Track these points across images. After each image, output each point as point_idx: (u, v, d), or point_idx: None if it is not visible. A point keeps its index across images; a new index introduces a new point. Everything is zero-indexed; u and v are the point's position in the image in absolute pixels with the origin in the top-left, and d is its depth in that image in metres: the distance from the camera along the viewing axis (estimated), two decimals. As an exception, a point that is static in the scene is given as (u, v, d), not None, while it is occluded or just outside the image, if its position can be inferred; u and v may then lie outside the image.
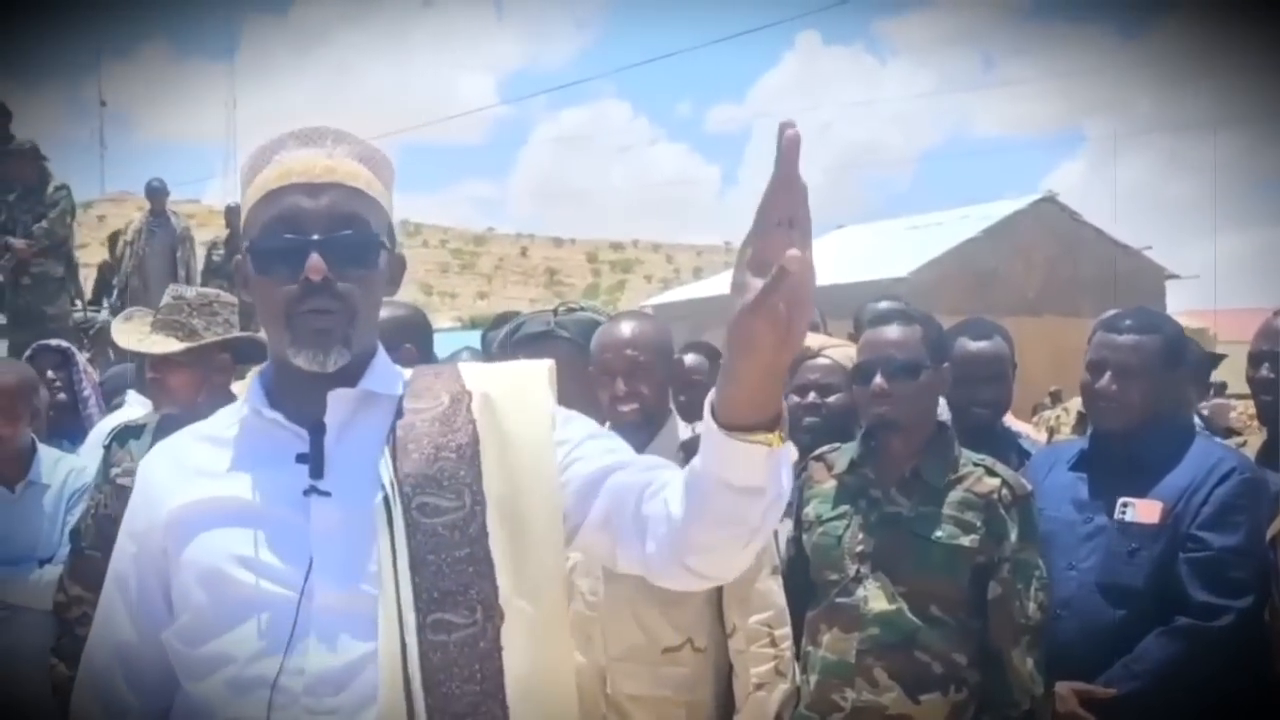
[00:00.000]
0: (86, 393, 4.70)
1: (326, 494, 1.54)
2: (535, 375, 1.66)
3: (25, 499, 3.45)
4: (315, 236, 1.53)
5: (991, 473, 2.78)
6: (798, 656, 2.91)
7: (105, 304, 10.95)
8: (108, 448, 3.23)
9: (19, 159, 9.33)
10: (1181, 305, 17.19)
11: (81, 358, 4.94)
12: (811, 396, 3.30)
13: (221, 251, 11.61)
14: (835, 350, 3.31)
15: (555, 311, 3.36)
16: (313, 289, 1.53)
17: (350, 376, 1.60)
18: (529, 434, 1.59)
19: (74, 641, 3.18)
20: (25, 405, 3.48)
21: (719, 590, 2.87)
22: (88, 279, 11.43)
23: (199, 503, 1.60)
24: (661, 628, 2.76)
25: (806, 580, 2.92)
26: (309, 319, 1.54)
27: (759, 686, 2.79)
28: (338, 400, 1.58)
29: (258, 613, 1.51)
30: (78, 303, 10.02)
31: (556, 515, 1.57)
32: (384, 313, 1.81)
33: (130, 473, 3.13)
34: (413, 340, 3.39)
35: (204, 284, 10.11)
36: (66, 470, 3.51)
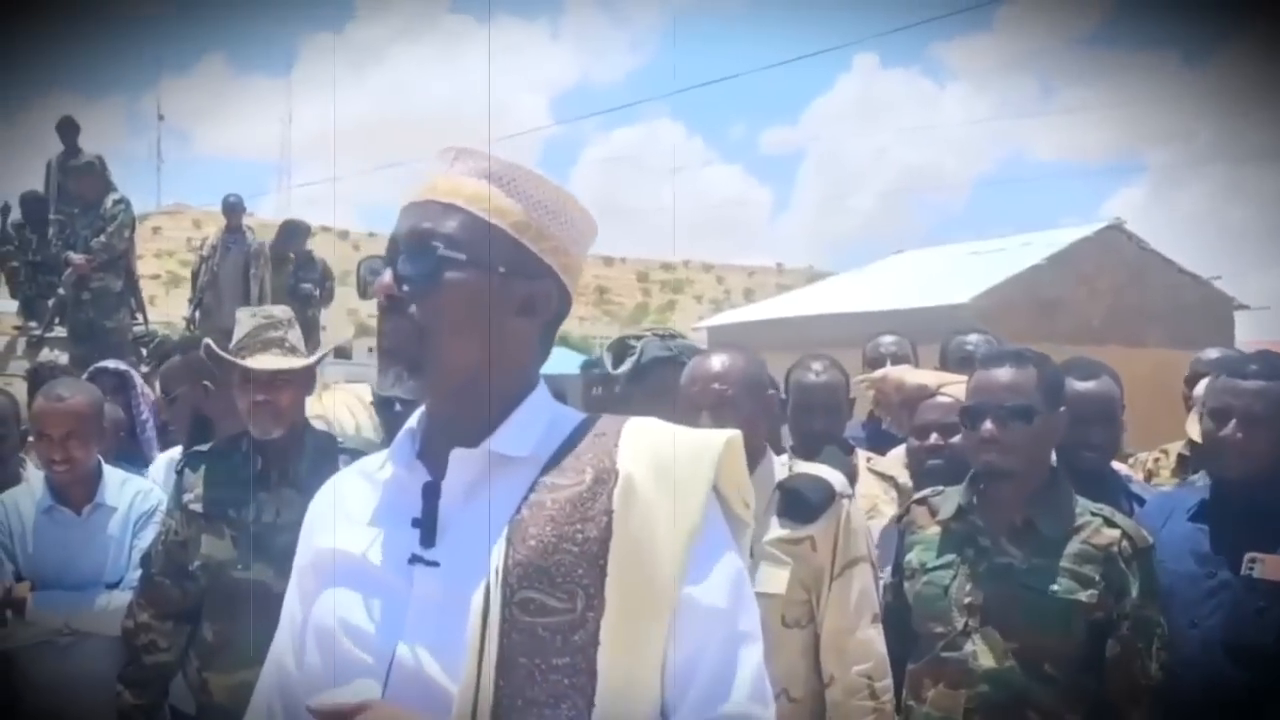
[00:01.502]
0: (145, 415, 4.65)
1: (434, 564, 1.40)
2: (701, 463, 1.43)
3: (92, 522, 3.38)
4: (400, 254, 1.44)
5: (1111, 523, 2.62)
6: (898, 709, 2.77)
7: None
8: (180, 473, 3.16)
9: (87, 176, 9.39)
10: (1250, 336, 16.81)
11: (139, 380, 4.88)
12: (933, 438, 3.16)
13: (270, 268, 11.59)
14: (954, 388, 3.16)
15: (660, 336, 3.27)
16: (384, 309, 1.44)
17: (484, 428, 1.44)
18: (667, 543, 1.39)
19: (141, 669, 3.12)
20: (95, 427, 3.41)
21: (815, 639, 2.73)
22: (153, 293, 11.46)
23: (333, 553, 1.50)
24: None
25: (906, 629, 2.77)
26: (381, 341, 1.45)
27: None
28: (460, 461, 1.43)
29: (347, 682, 1.41)
30: (138, 316, 10.05)
31: (661, 633, 1.38)
32: None
33: (200, 499, 3.07)
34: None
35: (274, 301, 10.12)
36: (133, 493, 3.44)
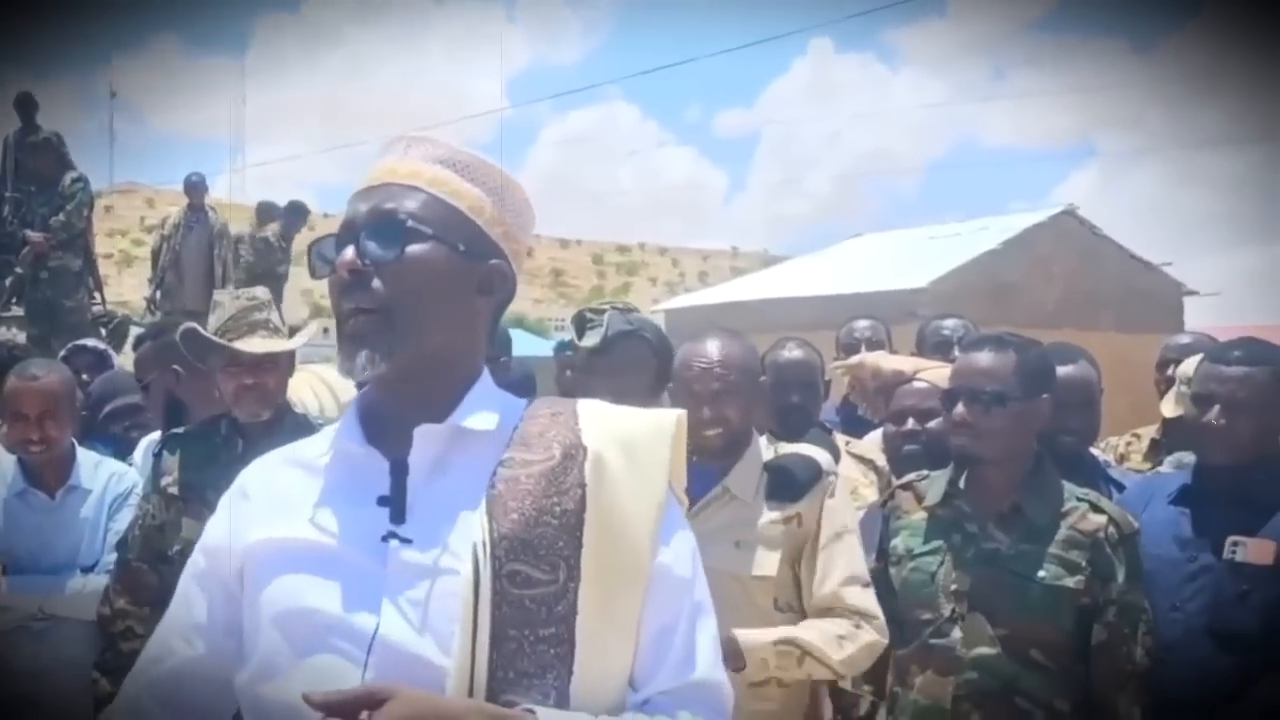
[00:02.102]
0: None
1: (408, 541, 1.41)
2: (660, 439, 1.50)
3: (66, 505, 3.33)
4: (362, 233, 1.44)
5: (1097, 509, 2.64)
6: (882, 696, 2.78)
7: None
8: (157, 456, 3.11)
9: (45, 153, 9.22)
10: (1200, 321, 17.03)
11: (118, 359, 4.82)
12: (910, 423, 3.17)
13: (248, 249, 11.49)
14: (932, 373, 3.18)
15: (618, 310, 3.26)
16: (347, 287, 1.43)
17: (446, 405, 1.46)
18: (637, 516, 1.44)
19: (118, 656, 3.07)
20: (70, 408, 3.35)
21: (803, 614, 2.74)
22: (106, 272, 11.29)
23: (279, 541, 1.48)
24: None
25: (890, 616, 2.77)
26: (344, 322, 1.44)
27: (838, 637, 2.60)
28: (425, 438, 1.44)
29: (323, 667, 1.39)
30: (96, 295, 9.90)
31: (637, 604, 1.43)
32: None
33: (179, 483, 3.03)
34: (503, 351, 3.31)
35: (237, 280, 10.00)
36: (108, 475, 3.39)
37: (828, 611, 2.66)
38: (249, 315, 2.98)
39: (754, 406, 2.80)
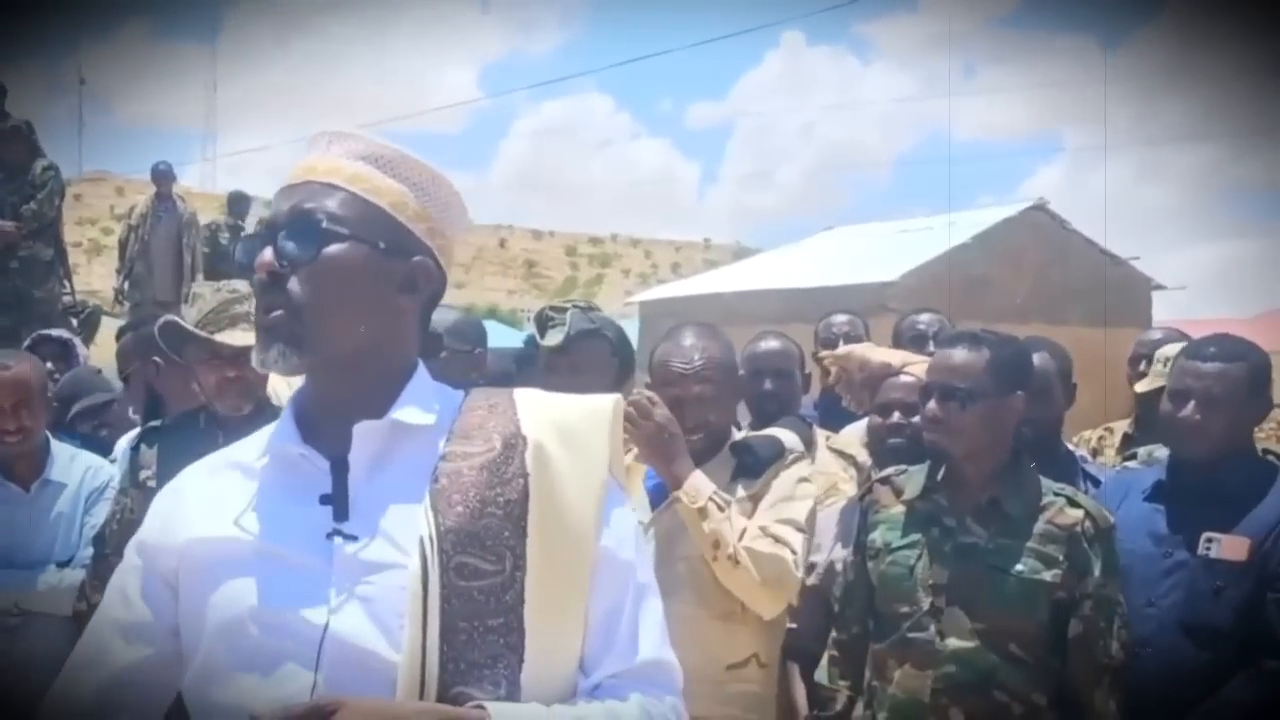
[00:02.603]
0: None
1: (353, 538, 1.41)
2: (598, 424, 1.51)
3: (41, 499, 3.30)
4: (281, 232, 1.45)
5: (1074, 503, 2.66)
6: (858, 690, 2.79)
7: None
8: (135, 449, 3.08)
9: (14, 140, 9.09)
10: (1167, 315, 17.17)
11: (82, 349, 4.77)
12: (895, 416, 3.18)
13: (227, 236, 11.42)
14: (918, 367, 3.18)
15: (580, 309, 3.27)
16: (264, 287, 1.44)
17: (382, 401, 1.47)
18: (579, 502, 1.45)
19: (94, 652, 3.03)
20: (44, 398, 3.33)
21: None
22: (75, 261, 11.16)
23: (216, 541, 1.47)
24: (722, 642, 2.66)
25: (866, 609, 2.80)
26: (259, 318, 1.45)
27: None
28: (364, 434, 1.45)
29: (272, 669, 1.39)
30: (66, 284, 9.79)
31: (584, 590, 1.44)
32: (441, 316, 1.71)
33: (157, 476, 3.00)
34: (478, 342, 3.30)
35: (207, 270, 9.92)
36: (84, 468, 3.36)
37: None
38: (230, 308, 2.95)
39: (733, 405, 2.82)
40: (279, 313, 1.43)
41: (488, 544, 1.39)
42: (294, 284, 1.43)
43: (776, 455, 2.77)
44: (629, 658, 1.45)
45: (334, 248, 1.43)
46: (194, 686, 1.46)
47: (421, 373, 1.53)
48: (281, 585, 1.41)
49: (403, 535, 1.40)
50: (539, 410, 1.50)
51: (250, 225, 11.68)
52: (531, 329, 3.31)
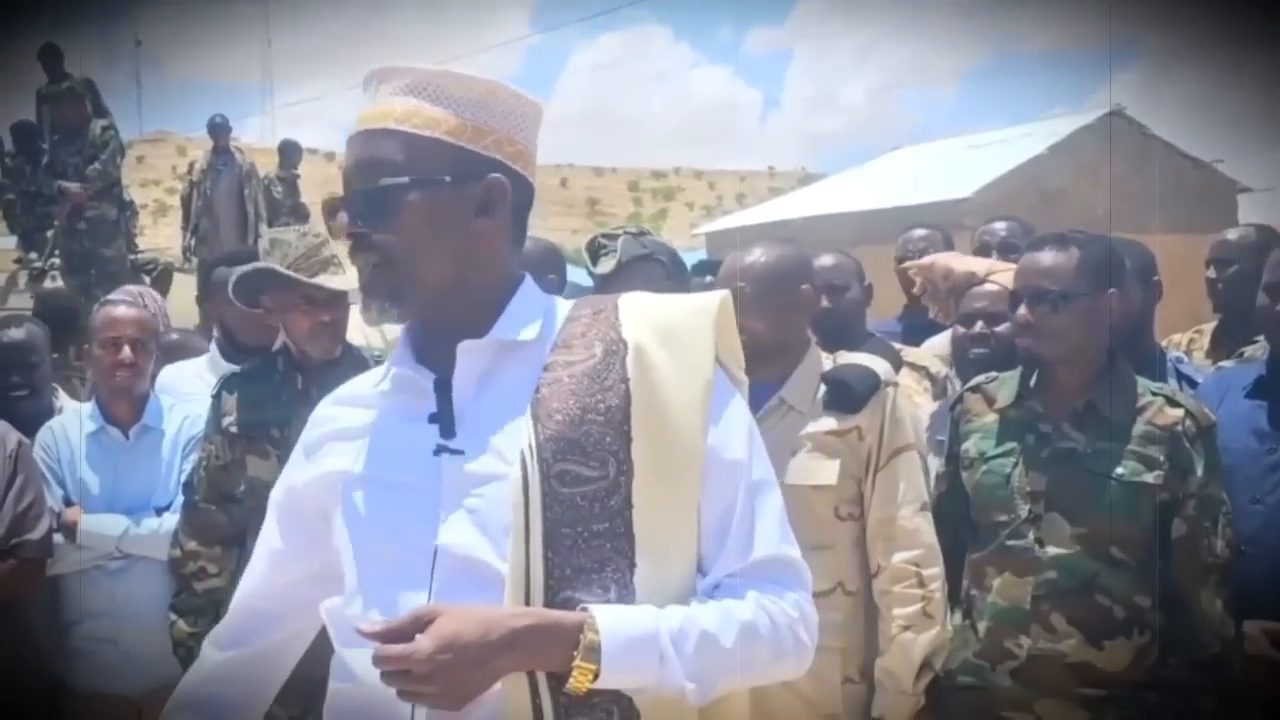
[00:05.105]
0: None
1: (459, 453, 1.45)
2: (701, 323, 1.51)
3: (140, 445, 3.35)
4: (353, 189, 1.49)
5: (1173, 403, 2.59)
6: (955, 599, 2.76)
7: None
8: (216, 396, 3.12)
9: (68, 101, 9.16)
10: (1253, 219, 16.75)
11: (158, 301, 4.80)
12: (979, 326, 3.12)
13: (280, 189, 11.49)
14: (1003, 275, 3.11)
15: (631, 234, 3.25)
16: (353, 247, 1.49)
17: (486, 320, 1.50)
18: (683, 403, 1.46)
19: (192, 597, 3.11)
20: (153, 340, 3.40)
21: (865, 530, 2.73)
22: (142, 222, 11.30)
23: (331, 475, 1.56)
24: (811, 573, 2.62)
25: (962, 519, 2.76)
26: (361, 276, 1.50)
27: (905, 629, 2.66)
28: (468, 353, 1.48)
29: (393, 588, 1.46)
30: (137, 243, 9.94)
31: (694, 490, 1.46)
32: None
33: (239, 422, 3.04)
34: (553, 270, 3.28)
35: (271, 220, 10.00)
36: (181, 417, 3.40)
37: (884, 534, 2.70)
38: (319, 252, 2.95)
39: (791, 316, 2.77)
40: (372, 270, 1.47)
41: (589, 450, 1.42)
42: (377, 238, 1.46)
43: (872, 389, 2.72)
44: (744, 555, 1.47)
45: (401, 200, 1.46)
46: (325, 611, 1.54)
47: (527, 287, 1.55)
48: (396, 504, 1.48)
49: (508, 448, 1.43)
50: (641, 313, 1.51)
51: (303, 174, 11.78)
52: (584, 257, 3.29)
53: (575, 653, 1.34)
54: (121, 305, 3.41)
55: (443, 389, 1.47)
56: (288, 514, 1.67)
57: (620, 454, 1.42)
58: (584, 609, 1.37)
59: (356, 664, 1.45)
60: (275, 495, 1.71)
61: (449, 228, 1.47)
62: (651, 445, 1.42)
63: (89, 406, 3.39)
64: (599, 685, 1.35)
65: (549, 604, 1.38)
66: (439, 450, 1.45)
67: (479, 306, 1.50)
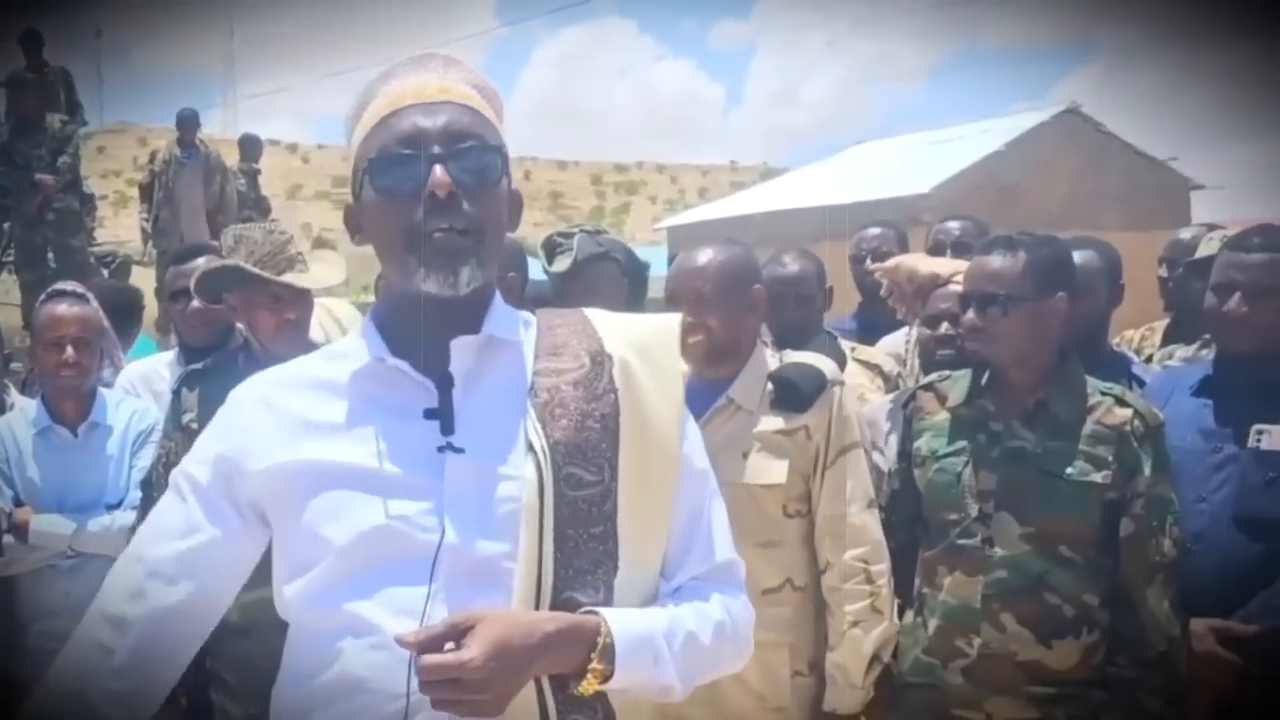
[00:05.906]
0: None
1: (460, 450, 1.45)
2: (668, 343, 1.59)
3: (89, 442, 3.33)
4: (436, 149, 1.45)
5: (1122, 403, 2.63)
6: (908, 598, 2.79)
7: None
8: (176, 393, 3.09)
9: (40, 91, 9.06)
10: (1207, 217, 16.91)
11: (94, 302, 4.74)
12: (944, 328, 3.13)
13: (243, 182, 11.41)
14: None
15: (587, 232, 3.26)
16: (439, 207, 1.43)
17: (470, 320, 1.50)
18: (662, 415, 1.54)
19: (148, 594, 3.07)
20: (98, 337, 3.35)
21: (813, 526, 2.75)
22: (102, 213, 11.20)
23: (314, 465, 1.48)
24: (759, 568, 2.64)
25: (915, 516, 2.79)
26: (438, 240, 1.44)
27: (854, 624, 2.69)
28: (462, 349, 1.48)
29: (389, 584, 1.43)
30: (95, 235, 9.84)
31: (670, 498, 1.53)
32: None
33: (199, 419, 3.01)
34: (515, 268, 3.28)
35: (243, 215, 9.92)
36: (129, 412, 3.38)
37: (833, 530, 2.72)
38: (285, 249, 2.93)
39: (743, 316, 2.78)
40: (458, 235, 1.44)
41: (589, 455, 1.47)
42: (467, 205, 1.45)
43: (818, 389, 2.74)
44: (708, 560, 1.55)
45: (499, 172, 1.49)
46: (304, 605, 1.49)
47: (497, 291, 1.58)
48: (394, 501, 1.45)
49: (507, 447, 1.46)
50: (615, 328, 1.58)
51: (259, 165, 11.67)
52: (540, 255, 3.29)
53: (592, 655, 1.38)
54: (64, 303, 3.35)
55: (445, 385, 1.46)
56: (215, 495, 1.55)
57: (612, 460, 1.48)
58: (590, 611, 1.42)
59: (352, 659, 1.42)
60: (195, 474, 1.57)
61: (506, 214, 1.53)
62: (637, 453, 1.49)
63: (34, 405, 3.37)
64: (607, 687, 1.39)
65: (554, 604, 1.42)
66: (443, 448, 1.45)
67: (473, 301, 1.50)
